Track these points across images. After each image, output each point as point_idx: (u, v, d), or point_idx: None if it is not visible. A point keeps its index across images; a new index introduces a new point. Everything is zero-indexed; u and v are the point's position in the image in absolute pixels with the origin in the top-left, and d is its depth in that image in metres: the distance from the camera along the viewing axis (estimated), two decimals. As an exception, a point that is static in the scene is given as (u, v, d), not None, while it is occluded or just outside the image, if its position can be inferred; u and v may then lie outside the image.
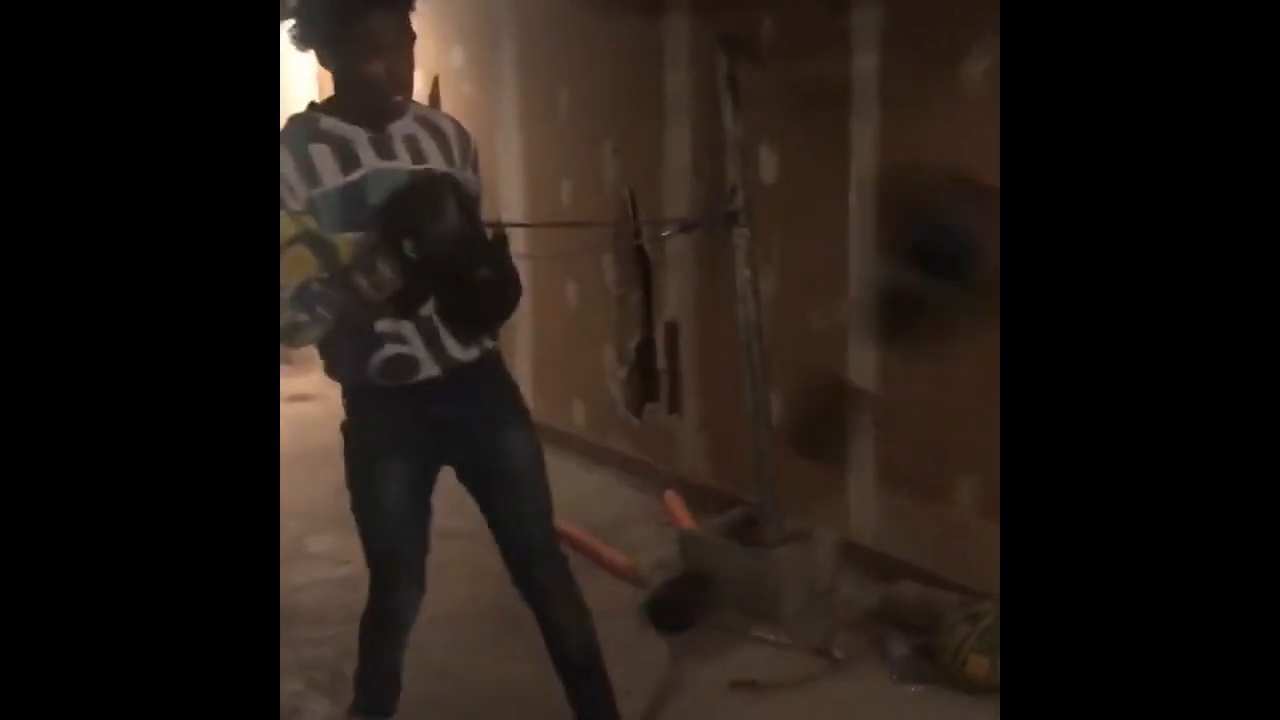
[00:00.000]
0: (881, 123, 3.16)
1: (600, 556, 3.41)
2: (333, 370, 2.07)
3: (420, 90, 5.46)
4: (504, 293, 1.95)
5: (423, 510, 2.14)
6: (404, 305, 1.86)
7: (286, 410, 6.58)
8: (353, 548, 3.73)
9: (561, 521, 3.82)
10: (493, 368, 2.11)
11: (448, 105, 5.17)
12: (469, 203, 1.88)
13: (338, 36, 1.85)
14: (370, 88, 1.88)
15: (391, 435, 2.03)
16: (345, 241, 1.84)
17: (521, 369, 5.01)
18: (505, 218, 4.88)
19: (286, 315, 1.82)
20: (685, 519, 3.78)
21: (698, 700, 2.75)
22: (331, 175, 1.88)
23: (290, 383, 6.53)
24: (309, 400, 6.06)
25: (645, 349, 4.29)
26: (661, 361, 4.17)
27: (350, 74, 1.88)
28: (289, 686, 2.83)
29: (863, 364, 3.34)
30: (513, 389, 2.18)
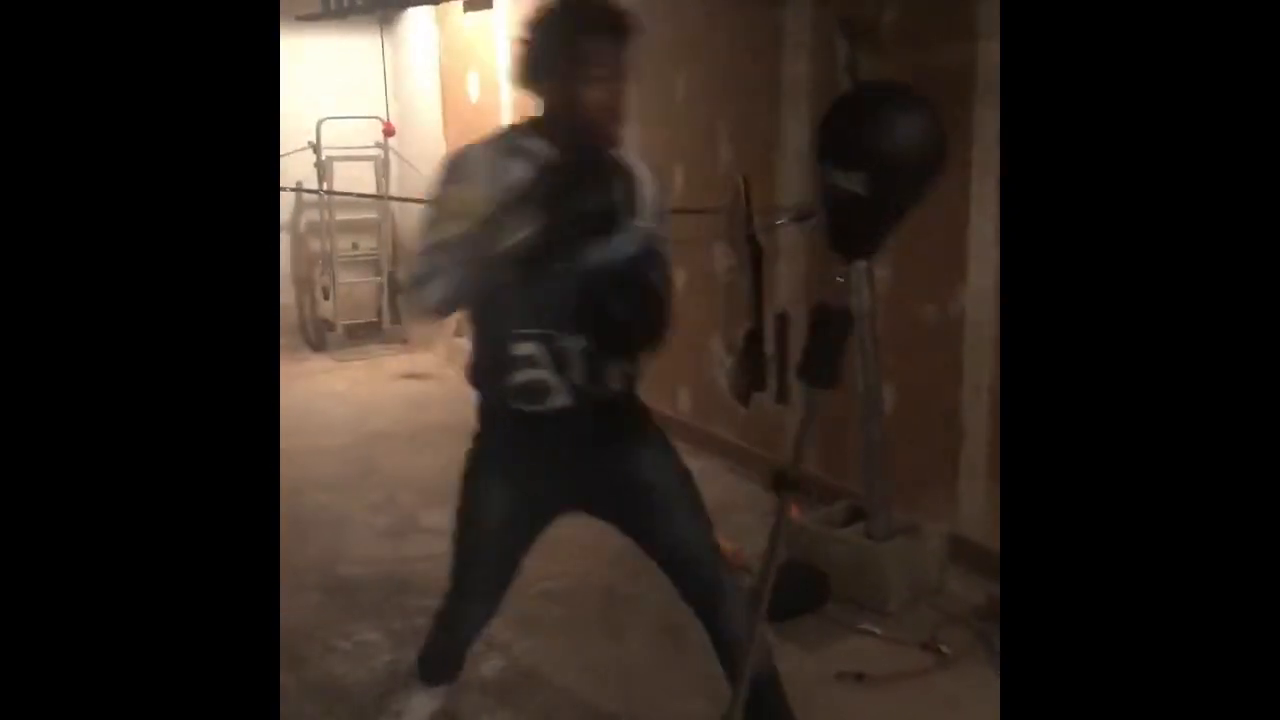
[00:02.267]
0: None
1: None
2: (476, 382, 2.11)
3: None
4: (638, 329, 1.96)
5: (520, 546, 2.18)
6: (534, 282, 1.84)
7: (401, 388, 6.80)
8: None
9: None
10: (624, 399, 2.09)
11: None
12: (640, 235, 1.93)
13: (556, 60, 1.88)
14: (580, 114, 1.89)
15: (513, 462, 2.07)
16: None
17: (631, 354, 5.04)
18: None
19: (415, 268, 1.85)
20: (791, 509, 3.77)
21: (802, 690, 2.75)
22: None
23: (405, 361, 6.73)
24: (424, 379, 6.23)
25: (754, 338, 4.28)
26: (770, 350, 4.15)
27: (561, 99, 1.90)
28: (403, 655, 2.92)
29: (978, 357, 3.28)
30: (643, 415, 2.15)
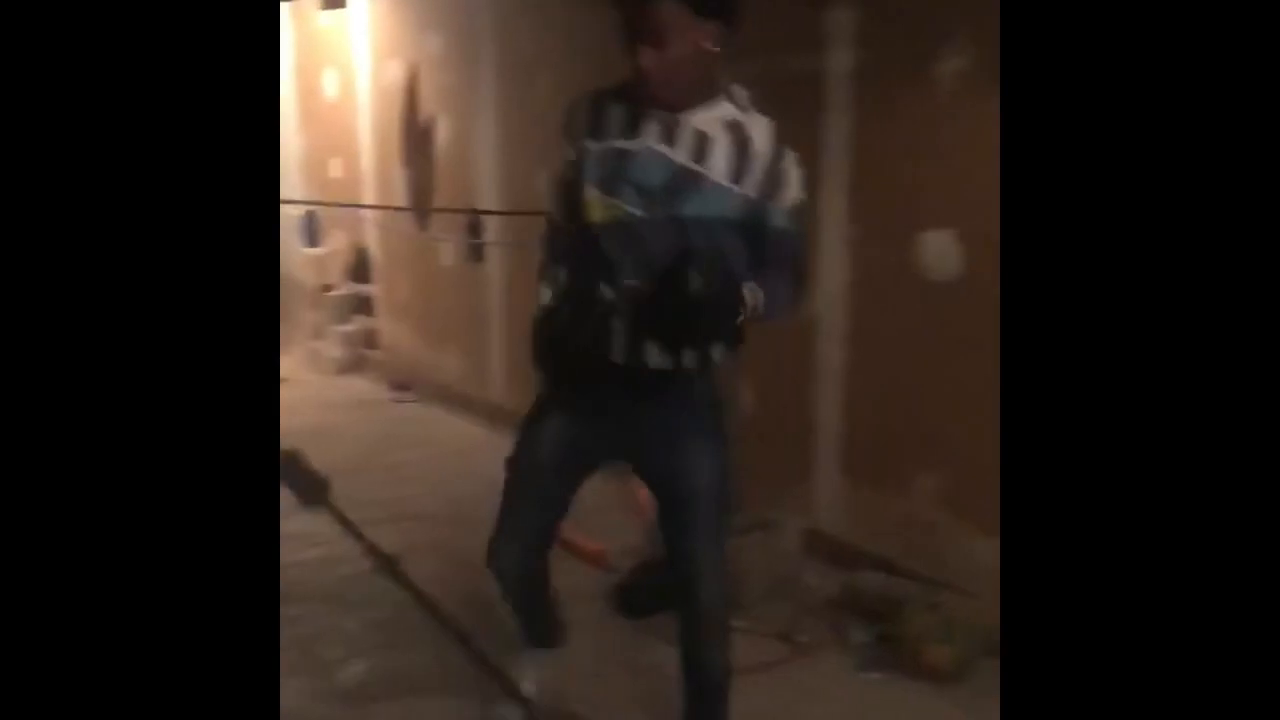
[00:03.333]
0: (854, 120, 3.20)
1: (570, 542, 3.45)
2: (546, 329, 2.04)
3: (397, 79, 5.46)
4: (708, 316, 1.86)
5: (568, 487, 2.16)
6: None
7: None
8: (324, 532, 3.78)
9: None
10: (691, 382, 2.00)
11: (426, 94, 5.17)
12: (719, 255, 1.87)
13: (618, 26, 1.86)
14: (637, 80, 1.87)
15: (570, 407, 2.04)
16: (594, 200, 1.90)
17: (495, 356, 5.04)
18: (479, 205, 4.89)
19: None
20: (650, 508, 3.81)
21: (662, 683, 2.80)
22: (615, 134, 1.92)
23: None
24: (284, 383, 6.07)
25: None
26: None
27: (629, 65, 1.87)
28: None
29: (829, 356, 3.39)
30: (712, 407, 2.06)
